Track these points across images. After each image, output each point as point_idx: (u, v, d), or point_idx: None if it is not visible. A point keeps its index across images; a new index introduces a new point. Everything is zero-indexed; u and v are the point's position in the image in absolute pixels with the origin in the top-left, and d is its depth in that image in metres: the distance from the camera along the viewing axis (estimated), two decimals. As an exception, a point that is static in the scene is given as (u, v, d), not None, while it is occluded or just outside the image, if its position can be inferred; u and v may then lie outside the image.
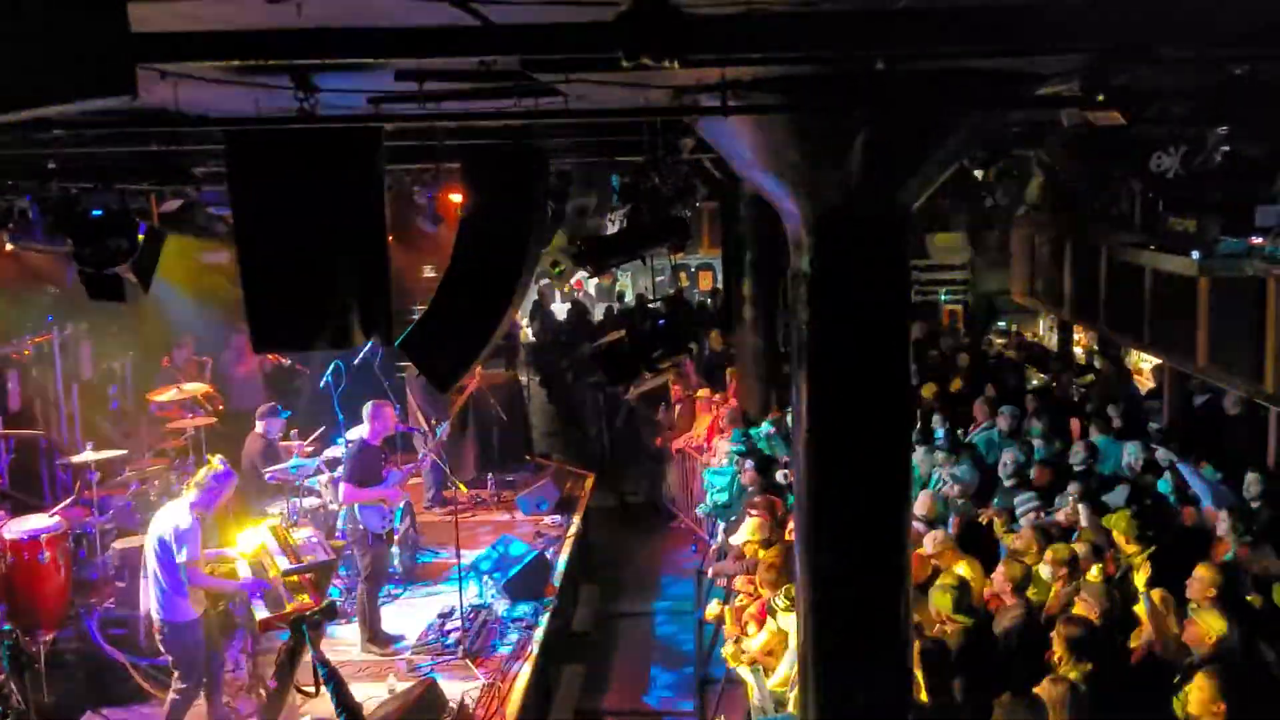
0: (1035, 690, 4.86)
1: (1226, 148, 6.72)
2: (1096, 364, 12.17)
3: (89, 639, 7.36)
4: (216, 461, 6.60)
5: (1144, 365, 11.95)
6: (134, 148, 5.27)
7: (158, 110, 4.37)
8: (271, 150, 4.04)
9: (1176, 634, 5.22)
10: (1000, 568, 6.16)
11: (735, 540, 7.88)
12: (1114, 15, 3.13)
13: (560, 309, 17.18)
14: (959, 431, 9.32)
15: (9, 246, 7.30)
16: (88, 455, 8.32)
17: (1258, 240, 7.75)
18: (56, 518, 7.66)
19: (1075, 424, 9.17)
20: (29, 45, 1.35)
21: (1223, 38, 3.44)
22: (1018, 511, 6.80)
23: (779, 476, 8.27)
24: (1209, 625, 4.98)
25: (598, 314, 17.02)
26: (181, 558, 6.16)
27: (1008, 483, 7.70)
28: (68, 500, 8.37)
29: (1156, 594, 5.48)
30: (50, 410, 10.59)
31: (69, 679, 7.21)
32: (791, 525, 6.73)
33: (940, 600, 5.71)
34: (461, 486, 9.25)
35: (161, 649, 6.40)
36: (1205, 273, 8.13)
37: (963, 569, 6.30)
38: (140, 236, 6.04)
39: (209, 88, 3.51)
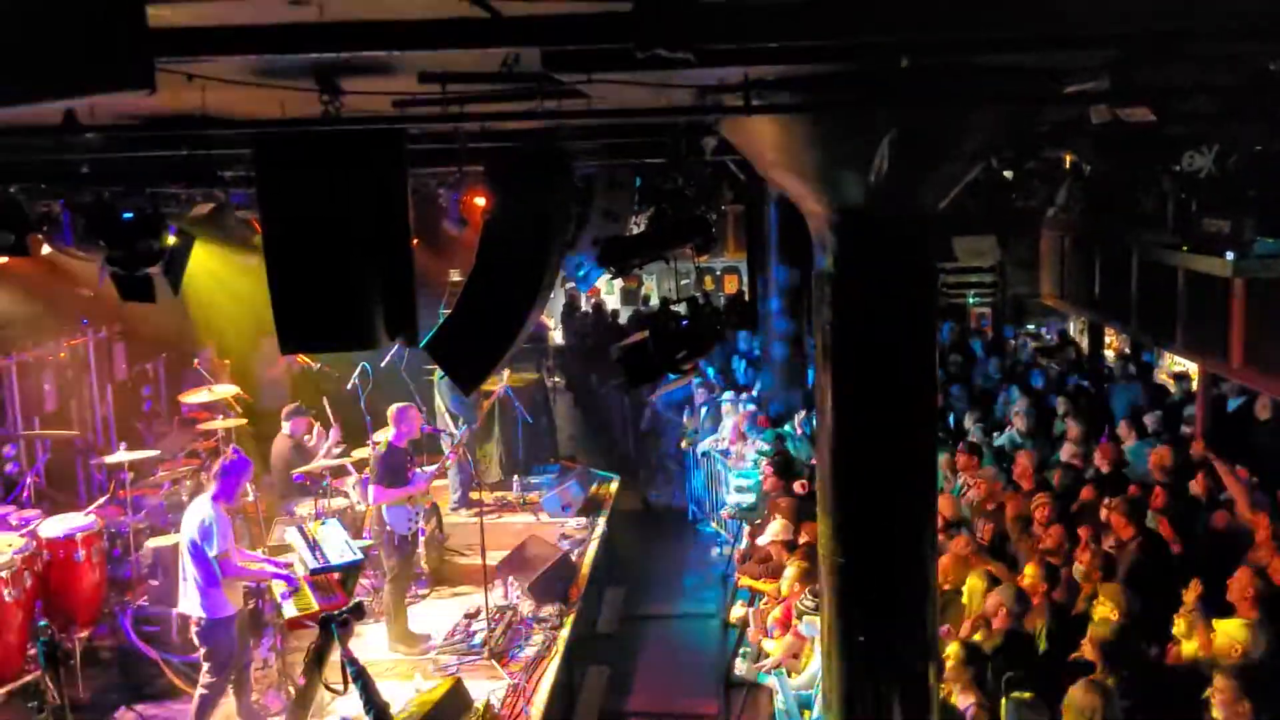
0: (1071, 690, 4.79)
1: (1260, 146, 6.61)
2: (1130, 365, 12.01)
3: (123, 636, 7.47)
4: (230, 452, 6.68)
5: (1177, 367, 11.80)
6: (164, 151, 5.36)
7: (187, 114, 4.45)
8: (298, 153, 4.09)
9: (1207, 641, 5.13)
10: (1028, 569, 6.11)
11: (761, 540, 7.86)
12: (1142, 8, 3.08)
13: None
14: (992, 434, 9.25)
15: (45, 250, 7.42)
16: (121, 455, 8.45)
17: (1294, 240, 7.60)
18: (91, 517, 7.79)
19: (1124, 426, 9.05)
20: (50, 39, 1.38)
21: (1255, 31, 3.38)
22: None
23: (796, 487, 8.21)
24: (1233, 635, 4.90)
25: (623, 316, 17.04)
26: (212, 551, 6.23)
27: (1026, 488, 7.62)
28: (102, 499, 8.50)
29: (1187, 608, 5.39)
30: (85, 411, 10.76)
31: (103, 675, 7.33)
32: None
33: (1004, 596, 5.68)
34: (494, 465, 9.25)
35: (196, 642, 6.48)
36: (1240, 273, 7.99)
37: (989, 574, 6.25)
38: (171, 239, 6.14)
39: (236, 90, 3.56)
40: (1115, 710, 4.69)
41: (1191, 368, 10.73)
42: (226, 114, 4.40)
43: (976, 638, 5.74)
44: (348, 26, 2.68)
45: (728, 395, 11.72)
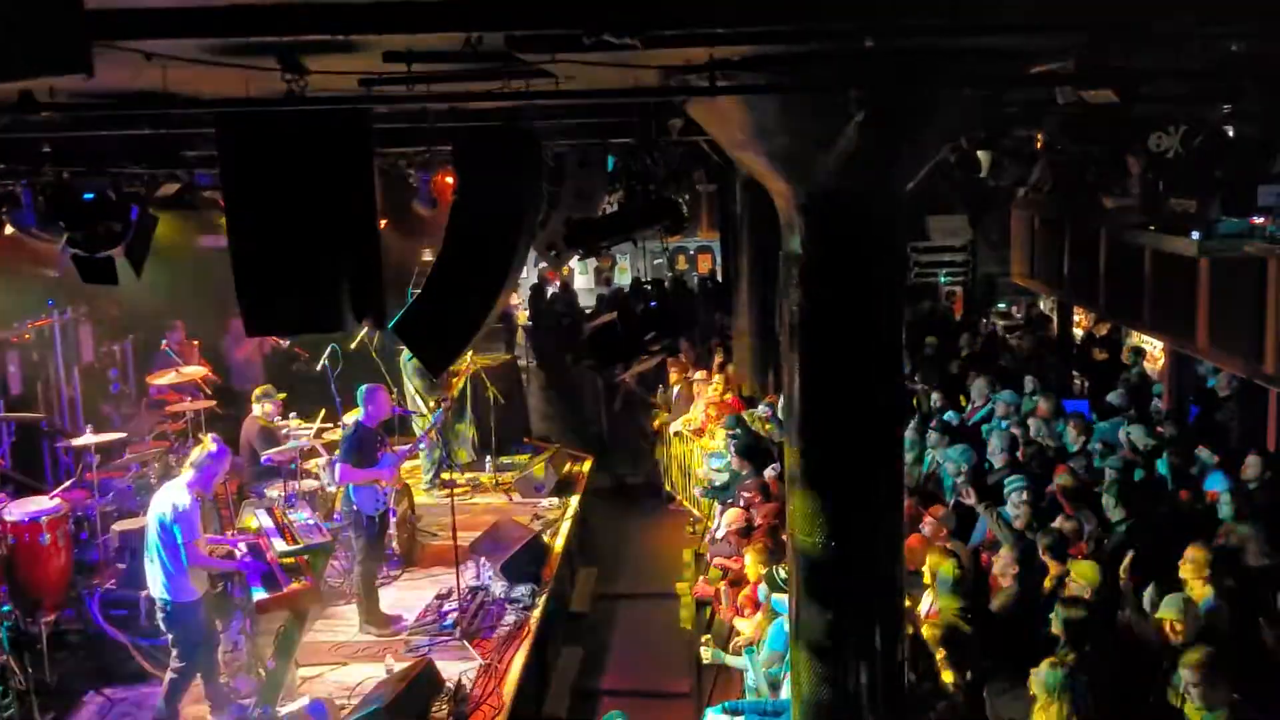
0: (1033, 671, 4.86)
1: (1227, 127, 6.68)
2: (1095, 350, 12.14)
3: (90, 620, 7.41)
4: (209, 441, 6.60)
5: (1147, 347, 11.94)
6: (125, 131, 5.26)
7: (149, 92, 4.37)
8: (262, 132, 4.02)
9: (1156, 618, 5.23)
10: (1001, 551, 6.19)
11: (718, 534, 7.91)
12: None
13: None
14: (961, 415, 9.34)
15: (8, 230, 7.29)
16: (88, 438, 8.34)
17: (1259, 220, 7.71)
18: (57, 500, 7.70)
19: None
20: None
21: (1220, 13, 3.40)
22: (1007, 493, 6.82)
23: (767, 472, 8.24)
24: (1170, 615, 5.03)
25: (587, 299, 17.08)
26: (183, 538, 6.18)
27: (998, 465, 7.69)
28: (68, 482, 8.40)
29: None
30: (51, 393, 10.62)
31: (71, 659, 7.26)
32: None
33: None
34: (462, 454, 9.23)
35: (162, 628, 6.43)
36: (1205, 253, 8.10)
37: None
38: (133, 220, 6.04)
39: (198, 69, 3.49)
40: (1081, 690, 4.77)
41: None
42: (189, 92, 4.32)
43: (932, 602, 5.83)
44: (307, 7, 2.63)
45: (699, 375, 11.74)
